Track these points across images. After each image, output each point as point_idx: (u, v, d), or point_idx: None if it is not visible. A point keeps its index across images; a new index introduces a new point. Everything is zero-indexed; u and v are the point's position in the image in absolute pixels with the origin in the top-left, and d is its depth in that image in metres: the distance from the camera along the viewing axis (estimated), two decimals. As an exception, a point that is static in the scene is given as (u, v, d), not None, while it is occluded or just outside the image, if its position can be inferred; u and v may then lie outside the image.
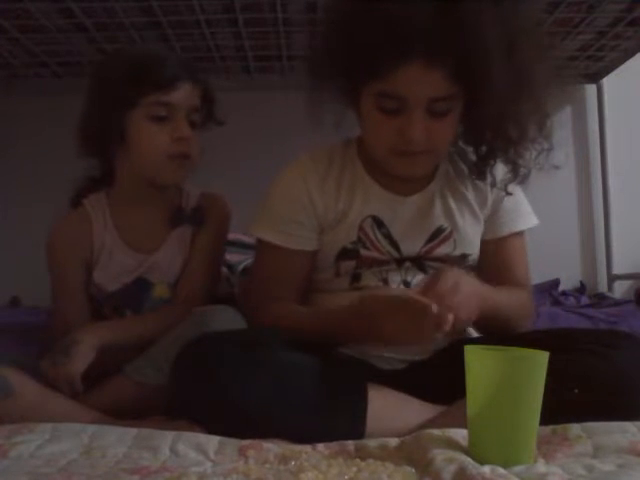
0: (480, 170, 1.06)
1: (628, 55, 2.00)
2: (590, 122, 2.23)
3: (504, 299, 1.02)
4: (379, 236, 1.06)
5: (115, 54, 1.33)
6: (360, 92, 0.99)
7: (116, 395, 1.02)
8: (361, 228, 1.06)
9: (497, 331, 1.03)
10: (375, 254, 1.06)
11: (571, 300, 1.96)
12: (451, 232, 1.07)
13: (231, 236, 1.39)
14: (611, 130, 2.20)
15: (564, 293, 2.04)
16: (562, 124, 2.18)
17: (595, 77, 2.20)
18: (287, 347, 0.93)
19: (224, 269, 1.45)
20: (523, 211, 1.13)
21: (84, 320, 1.18)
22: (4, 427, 0.82)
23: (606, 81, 2.19)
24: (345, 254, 1.07)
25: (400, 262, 1.07)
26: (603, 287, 2.21)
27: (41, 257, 1.25)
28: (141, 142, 1.15)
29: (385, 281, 1.07)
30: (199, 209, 1.24)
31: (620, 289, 2.20)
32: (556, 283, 2.08)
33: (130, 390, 1.02)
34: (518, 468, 0.66)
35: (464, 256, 1.09)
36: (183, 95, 1.14)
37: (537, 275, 1.97)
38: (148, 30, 1.73)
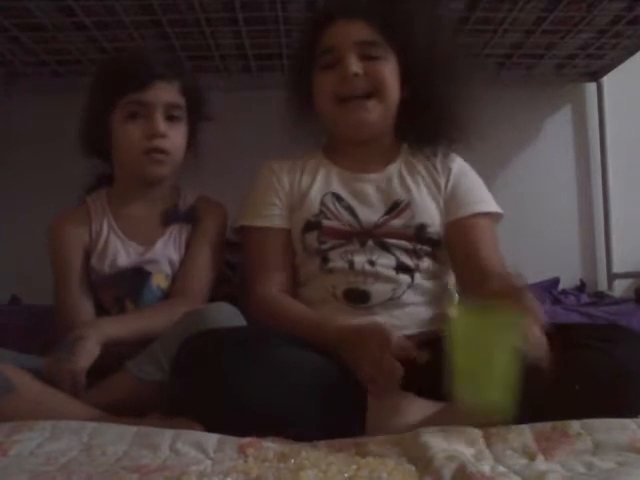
0: (424, 135, 1.20)
1: (628, 53, 2.00)
2: (590, 120, 2.23)
3: None
4: (339, 208, 1.16)
5: (103, 61, 1.45)
6: (313, 73, 1.18)
7: (117, 392, 1.02)
8: (322, 202, 1.17)
9: None
10: (336, 224, 1.15)
11: (571, 299, 1.95)
12: (408, 204, 1.15)
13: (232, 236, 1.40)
14: (611, 128, 2.19)
15: (564, 292, 2.03)
16: (562, 123, 2.21)
17: (595, 75, 2.19)
18: (287, 344, 0.93)
19: (225, 268, 1.45)
20: (483, 196, 1.19)
21: (87, 316, 1.19)
22: (4, 425, 0.82)
23: (606, 79, 2.19)
24: (309, 226, 1.16)
25: (363, 241, 1.13)
26: (603, 286, 2.20)
27: (41, 257, 1.25)
28: (120, 140, 1.22)
29: (351, 263, 1.11)
30: (193, 208, 1.28)
31: (620, 288, 2.19)
32: (556, 282, 2.08)
33: (131, 387, 1.02)
34: (518, 466, 0.66)
35: (422, 227, 1.14)
36: (157, 93, 1.20)
37: (537, 274, 1.97)
38: (148, 28, 1.72)
